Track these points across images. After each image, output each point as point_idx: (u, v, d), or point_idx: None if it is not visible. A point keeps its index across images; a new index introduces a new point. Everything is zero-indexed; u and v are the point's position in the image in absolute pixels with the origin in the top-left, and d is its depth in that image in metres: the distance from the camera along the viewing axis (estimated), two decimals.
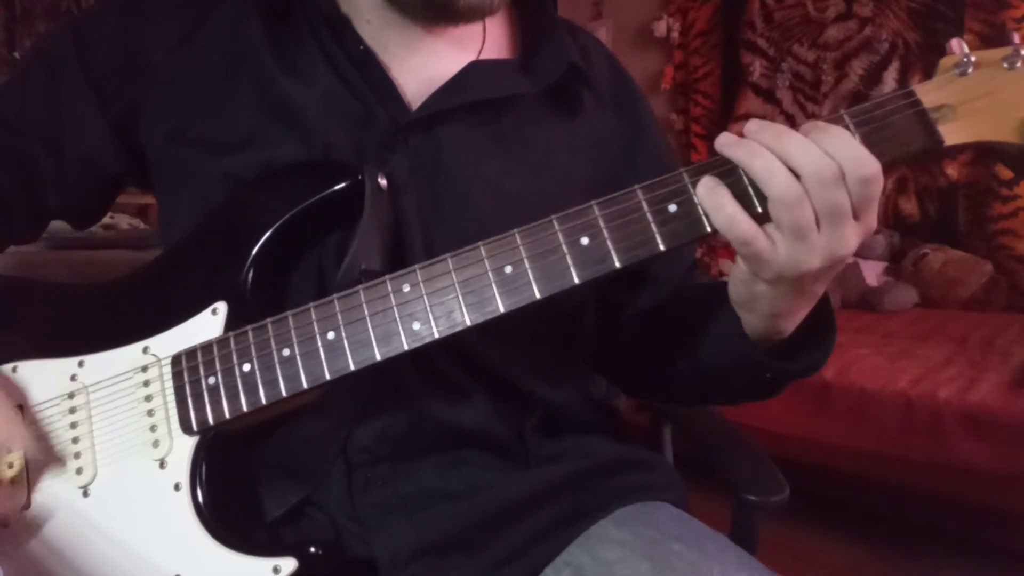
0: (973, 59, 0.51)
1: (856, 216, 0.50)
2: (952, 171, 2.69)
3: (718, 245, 3.13)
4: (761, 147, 0.50)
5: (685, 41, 3.50)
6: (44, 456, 0.61)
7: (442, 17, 0.67)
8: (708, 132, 3.45)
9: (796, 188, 0.49)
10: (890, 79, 2.81)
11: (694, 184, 0.51)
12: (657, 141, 0.79)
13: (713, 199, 0.50)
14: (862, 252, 2.70)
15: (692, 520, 0.68)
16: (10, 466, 0.58)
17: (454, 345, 0.55)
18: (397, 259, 0.62)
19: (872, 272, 2.67)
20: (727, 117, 3.36)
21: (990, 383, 1.78)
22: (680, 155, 3.50)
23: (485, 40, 0.72)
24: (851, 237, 0.50)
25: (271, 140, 0.66)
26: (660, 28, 3.49)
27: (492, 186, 0.67)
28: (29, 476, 0.60)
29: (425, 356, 0.55)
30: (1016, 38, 0.51)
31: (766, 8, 3.18)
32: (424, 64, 0.69)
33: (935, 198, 2.75)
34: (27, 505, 0.60)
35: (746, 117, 3.26)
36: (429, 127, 0.66)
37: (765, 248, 0.50)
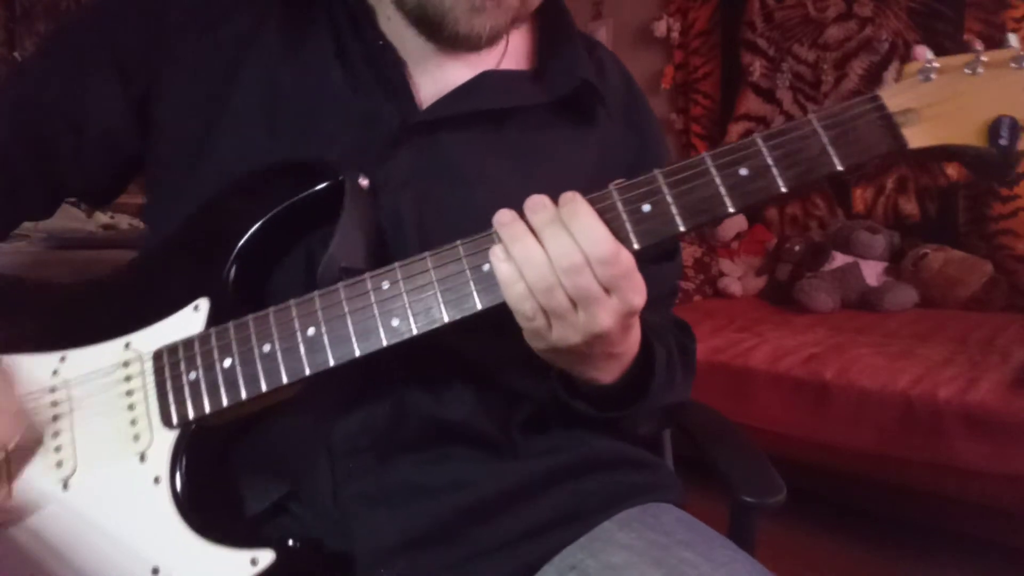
0: (936, 65, 0.53)
1: (609, 294, 0.53)
2: (952, 171, 2.68)
3: (717, 245, 3.13)
4: (524, 232, 0.53)
5: (685, 41, 3.49)
6: (25, 451, 0.61)
7: (436, 42, 0.68)
8: (708, 132, 3.45)
9: (547, 277, 0.52)
10: (890, 79, 2.78)
11: (668, 185, 0.54)
12: (662, 156, 0.80)
13: (506, 273, 0.53)
14: (862, 252, 2.70)
15: (698, 523, 0.68)
16: None
17: (437, 339, 0.56)
18: (390, 257, 0.63)
19: (872, 272, 2.67)
20: (727, 117, 3.35)
21: (990, 383, 1.78)
22: (680, 155, 3.49)
23: (506, 50, 0.73)
24: (604, 316, 0.54)
25: (271, 135, 0.66)
26: (660, 28, 3.49)
27: (497, 188, 0.67)
28: (10, 468, 0.61)
29: (409, 350, 0.56)
30: (978, 45, 0.52)
31: (766, 8, 3.18)
32: (439, 66, 0.70)
33: (935, 198, 2.74)
34: (8, 497, 0.60)
35: (746, 117, 3.27)
36: (435, 129, 0.67)
37: (543, 326, 0.54)
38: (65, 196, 0.76)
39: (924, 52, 0.54)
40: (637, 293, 0.54)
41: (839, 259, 2.68)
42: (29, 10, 4.48)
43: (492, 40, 0.67)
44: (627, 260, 0.53)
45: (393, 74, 0.67)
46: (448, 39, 0.66)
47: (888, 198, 2.86)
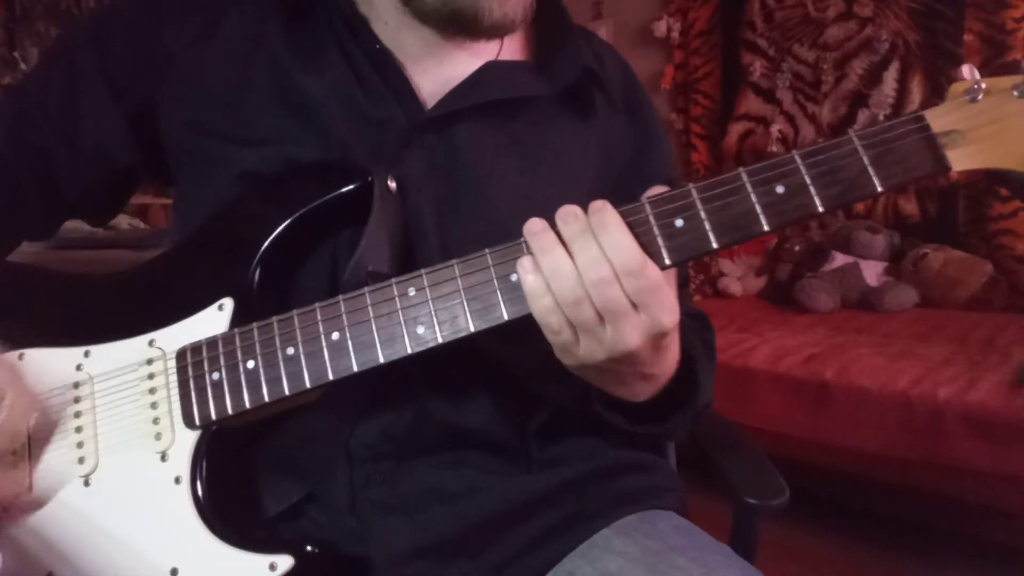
0: (984, 85, 0.51)
1: (637, 310, 0.52)
2: None
3: None
4: (554, 243, 0.52)
5: (685, 41, 3.49)
6: (47, 445, 0.61)
7: (463, 33, 0.68)
8: (708, 132, 3.45)
9: (575, 290, 0.51)
10: (890, 79, 2.81)
11: (702, 200, 0.52)
12: (665, 154, 0.79)
13: (532, 285, 0.52)
14: (862, 252, 2.70)
15: (695, 530, 0.68)
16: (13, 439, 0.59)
17: (460, 345, 0.56)
18: (411, 257, 0.63)
19: (872, 272, 2.67)
20: (727, 117, 3.35)
21: (990, 383, 1.78)
22: (680, 155, 3.49)
23: (501, 43, 0.73)
24: (631, 333, 0.52)
25: (288, 138, 0.66)
26: (660, 28, 3.49)
27: (507, 185, 0.67)
28: (31, 459, 0.61)
29: (431, 355, 0.56)
30: None
31: (766, 8, 3.18)
32: (439, 64, 0.69)
33: (935, 198, 2.75)
34: (29, 492, 0.60)
35: (746, 117, 3.27)
36: (444, 126, 0.67)
37: (570, 340, 0.53)
38: (65, 214, 0.76)
39: (971, 71, 0.51)
40: (667, 312, 0.52)
41: (839, 259, 2.68)
42: (29, 10, 4.48)
43: (523, 23, 0.68)
44: (654, 273, 0.51)
45: (395, 76, 0.67)
46: (485, 30, 0.66)
47: (888, 198, 2.86)
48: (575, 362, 0.55)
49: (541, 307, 0.52)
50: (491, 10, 0.64)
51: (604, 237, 0.51)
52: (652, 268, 0.52)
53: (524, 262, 0.53)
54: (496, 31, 0.67)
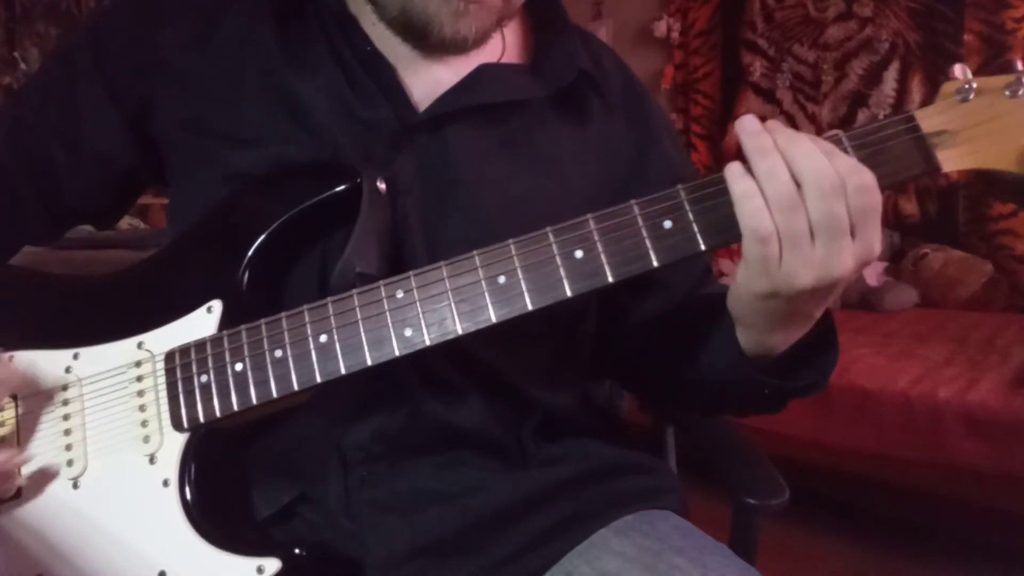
0: (975, 85, 0.50)
1: (853, 233, 0.49)
2: None
3: None
4: (772, 146, 0.49)
5: (685, 41, 3.49)
6: (35, 447, 0.61)
7: (422, 49, 0.67)
8: (708, 132, 3.45)
9: (792, 194, 0.48)
10: (890, 79, 2.80)
11: (690, 201, 0.51)
12: (668, 152, 0.78)
13: (742, 186, 0.49)
14: None
15: (694, 530, 0.68)
16: (1, 424, 0.59)
17: (451, 345, 0.55)
18: (398, 260, 0.63)
19: (872, 272, 2.67)
20: (727, 117, 3.35)
21: (990, 383, 1.78)
22: None
23: (504, 46, 0.72)
24: (847, 256, 0.49)
25: (280, 139, 0.66)
26: (660, 28, 3.49)
27: (498, 188, 0.67)
28: (19, 437, 0.61)
29: (422, 355, 0.56)
30: (1020, 65, 0.50)
31: (766, 8, 3.18)
32: (430, 67, 0.69)
33: (935, 198, 2.75)
34: (17, 493, 0.60)
35: None
36: (436, 128, 0.67)
37: (775, 253, 0.49)
38: (68, 218, 0.76)
39: (963, 71, 0.51)
40: (879, 241, 0.49)
41: None
42: (29, 10, 4.49)
43: (478, 42, 0.66)
44: (880, 196, 0.48)
45: (386, 78, 0.67)
46: (435, 45, 0.65)
47: (888, 198, 2.85)
48: (767, 288, 0.51)
49: (751, 208, 0.49)
50: (442, 27, 0.63)
51: (824, 147, 0.49)
52: (877, 191, 0.49)
53: (733, 166, 0.50)
54: (447, 48, 0.66)
